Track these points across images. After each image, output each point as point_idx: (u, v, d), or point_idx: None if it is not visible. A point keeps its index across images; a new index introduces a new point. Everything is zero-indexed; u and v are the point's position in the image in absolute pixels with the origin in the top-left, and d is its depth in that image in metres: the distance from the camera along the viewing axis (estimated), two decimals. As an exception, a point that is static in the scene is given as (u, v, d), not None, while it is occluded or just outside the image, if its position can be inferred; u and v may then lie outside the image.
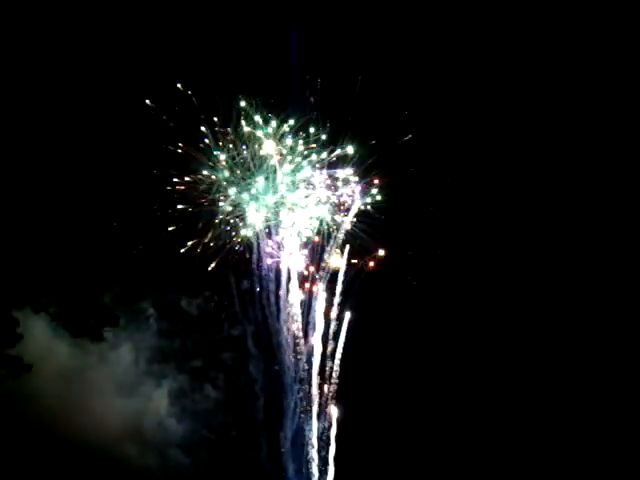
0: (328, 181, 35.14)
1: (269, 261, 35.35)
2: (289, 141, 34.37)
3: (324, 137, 34.29)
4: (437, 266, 35.99)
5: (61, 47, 34.02)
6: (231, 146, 34.22)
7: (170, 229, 34.14)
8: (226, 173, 34.46)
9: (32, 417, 33.63)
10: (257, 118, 33.96)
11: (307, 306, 35.62)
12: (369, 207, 35.43)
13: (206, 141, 33.95)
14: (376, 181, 34.97)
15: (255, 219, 34.78)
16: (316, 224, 35.15)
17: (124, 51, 34.43)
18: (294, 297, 35.40)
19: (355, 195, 35.11)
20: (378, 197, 35.38)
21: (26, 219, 33.91)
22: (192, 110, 33.75)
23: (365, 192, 35.07)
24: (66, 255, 34.38)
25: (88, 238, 34.66)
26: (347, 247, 35.55)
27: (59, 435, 33.74)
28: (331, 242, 35.18)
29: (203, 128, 33.92)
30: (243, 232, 34.87)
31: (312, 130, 34.20)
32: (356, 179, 35.09)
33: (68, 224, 34.41)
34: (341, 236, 35.20)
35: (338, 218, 35.10)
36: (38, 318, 33.78)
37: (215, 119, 33.91)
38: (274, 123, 34.04)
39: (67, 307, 34.29)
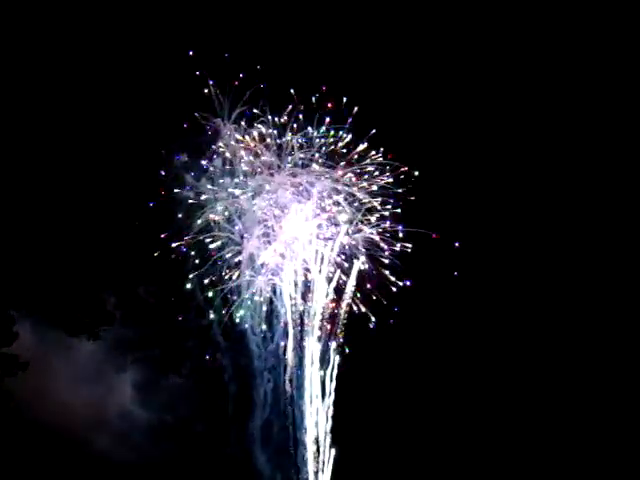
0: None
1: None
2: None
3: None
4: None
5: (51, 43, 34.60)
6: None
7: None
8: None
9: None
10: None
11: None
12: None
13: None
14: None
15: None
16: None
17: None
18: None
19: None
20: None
21: (20, 220, 34.17)
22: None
23: None
24: (62, 255, 34.58)
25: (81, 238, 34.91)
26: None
27: (24, 423, 33.86)
28: None
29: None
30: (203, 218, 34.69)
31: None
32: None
33: (62, 224, 34.72)
34: None
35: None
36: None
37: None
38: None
39: (63, 306, 34.39)
